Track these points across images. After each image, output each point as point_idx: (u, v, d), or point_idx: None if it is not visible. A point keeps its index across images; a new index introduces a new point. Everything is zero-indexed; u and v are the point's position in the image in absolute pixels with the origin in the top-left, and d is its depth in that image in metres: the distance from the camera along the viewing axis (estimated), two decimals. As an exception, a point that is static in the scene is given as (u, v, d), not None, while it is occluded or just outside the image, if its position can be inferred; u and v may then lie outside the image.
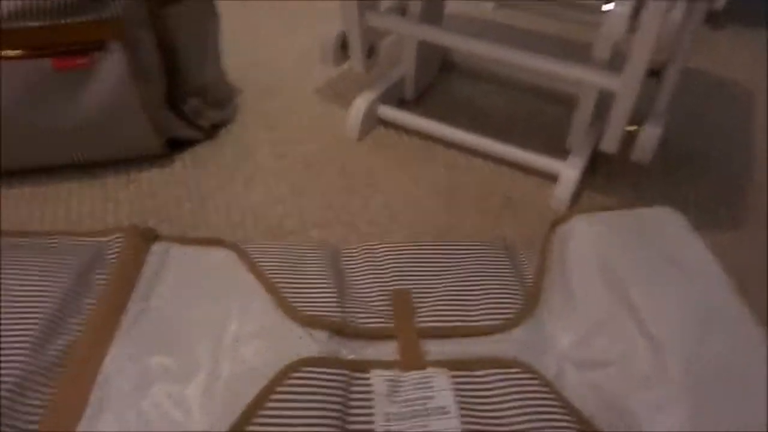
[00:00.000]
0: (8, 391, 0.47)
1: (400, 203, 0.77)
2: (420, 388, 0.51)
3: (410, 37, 0.92)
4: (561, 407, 0.51)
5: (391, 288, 0.61)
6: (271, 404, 0.48)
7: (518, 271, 0.63)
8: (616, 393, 0.51)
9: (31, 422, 0.46)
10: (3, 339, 0.50)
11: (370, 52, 0.87)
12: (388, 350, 0.55)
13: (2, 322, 0.51)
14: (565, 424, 0.50)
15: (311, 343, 0.54)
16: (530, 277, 0.63)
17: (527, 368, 0.53)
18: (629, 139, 0.77)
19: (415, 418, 0.49)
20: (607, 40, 0.71)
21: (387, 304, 0.59)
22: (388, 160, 0.85)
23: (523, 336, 0.57)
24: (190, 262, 0.63)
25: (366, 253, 0.65)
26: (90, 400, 0.48)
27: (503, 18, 1.23)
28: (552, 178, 0.79)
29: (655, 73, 0.78)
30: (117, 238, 0.63)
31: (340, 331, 0.55)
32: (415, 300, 0.60)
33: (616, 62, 0.71)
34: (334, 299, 0.58)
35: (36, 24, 0.65)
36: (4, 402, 0.46)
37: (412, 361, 0.54)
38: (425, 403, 0.50)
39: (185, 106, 0.80)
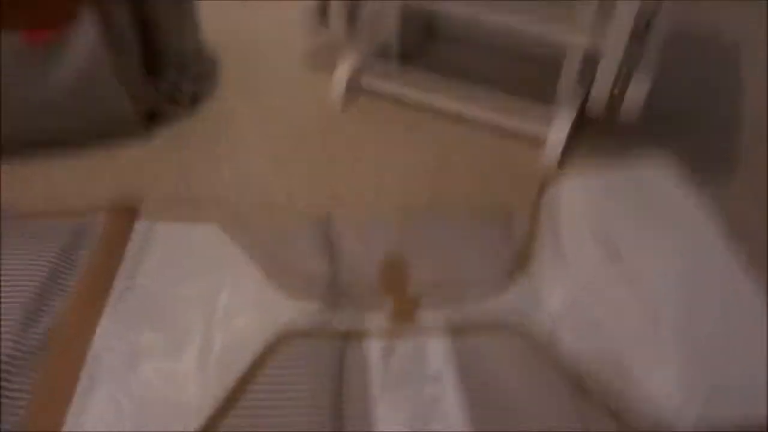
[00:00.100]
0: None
1: (387, 172, 0.76)
2: (414, 355, 0.51)
3: (392, 1, 0.90)
4: (555, 367, 0.51)
5: (381, 257, 0.60)
6: (263, 376, 0.48)
7: (509, 235, 0.63)
8: (610, 351, 0.51)
9: (18, 407, 0.45)
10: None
11: (351, 18, 0.85)
12: (380, 318, 0.55)
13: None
14: (559, 383, 0.50)
15: (303, 314, 0.53)
16: (522, 240, 0.63)
17: (521, 331, 0.53)
18: (616, 98, 0.76)
19: (410, 383, 0.49)
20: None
21: (379, 272, 0.59)
22: (374, 128, 0.83)
23: (516, 299, 0.57)
24: (175, 238, 0.62)
25: (356, 222, 0.65)
26: (80, 378, 0.47)
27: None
28: (540, 140, 0.78)
29: (639, 33, 0.77)
30: (99, 216, 0.62)
31: (332, 301, 0.55)
32: (407, 267, 0.59)
33: (600, 22, 0.70)
34: (325, 269, 0.57)
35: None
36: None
37: (406, 327, 0.54)
38: (420, 370, 0.50)
39: (164, 79, 0.78)
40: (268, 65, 0.95)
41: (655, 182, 0.64)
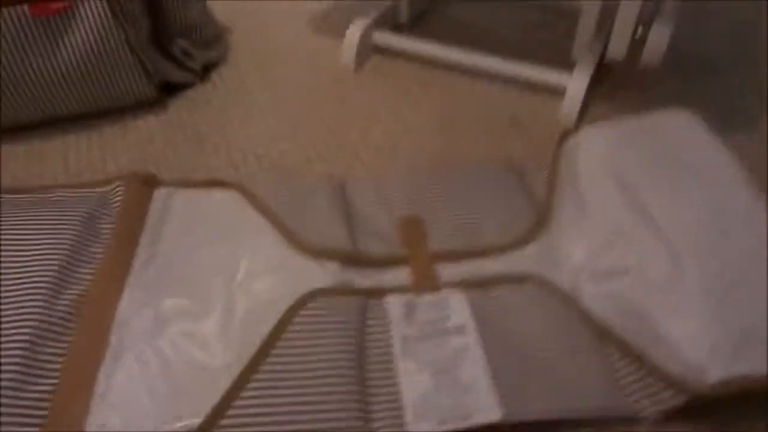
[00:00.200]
0: (25, 342, 0.47)
1: (403, 131, 0.75)
2: (436, 310, 0.51)
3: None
4: (578, 319, 0.50)
5: (400, 215, 0.60)
6: (288, 335, 0.48)
7: (529, 189, 0.62)
8: (634, 300, 0.50)
9: (52, 370, 0.47)
10: (16, 294, 0.50)
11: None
12: (401, 276, 0.55)
13: (13, 277, 0.51)
14: (586, 336, 0.49)
15: (324, 275, 0.54)
16: (541, 192, 0.62)
17: (542, 282, 0.53)
18: (636, 46, 0.73)
19: (433, 338, 0.49)
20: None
21: (397, 230, 0.58)
22: (388, 88, 0.82)
23: (537, 251, 0.56)
24: (194, 205, 0.62)
25: (372, 182, 0.64)
26: (109, 343, 0.48)
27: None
28: (558, 93, 0.76)
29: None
30: (118, 186, 0.62)
31: (352, 260, 0.55)
32: (425, 225, 0.59)
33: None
34: (344, 230, 0.57)
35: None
36: (23, 353, 0.46)
37: (427, 284, 0.54)
38: (442, 323, 0.50)
39: (173, 48, 0.77)
40: (278, 30, 0.94)
41: (677, 129, 0.62)
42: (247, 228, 0.58)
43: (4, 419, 0.43)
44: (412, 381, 0.47)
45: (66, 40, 0.66)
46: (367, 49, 0.87)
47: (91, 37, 0.67)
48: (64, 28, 0.66)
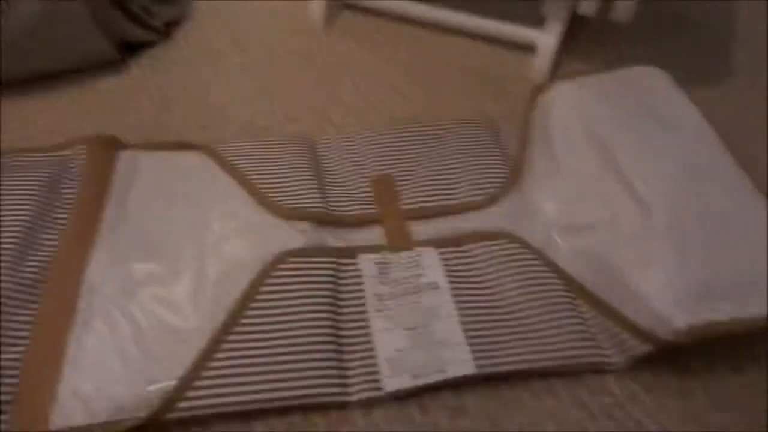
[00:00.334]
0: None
1: (374, 89, 0.73)
2: (409, 267, 0.51)
3: None
4: (551, 274, 0.51)
5: (371, 174, 0.59)
6: (261, 296, 0.48)
7: (501, 146, 0.62)
8: (605, 254, 0.51)
9: (20, 338, 0.46)
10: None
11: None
12: (374, 235, 0.55)
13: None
14: (557, 289, 0.50)
15: (296, 235, 0.53)
16: (514, 150, 0.62)
17: (514, 238, 0.53)
18: (608, 1, 0.72)
19: (406, 295, 0.50)
20: None
21: (369, 189, 0.58)
22: (358, 45, 0.80)
23: (509, 208, 0.56)
24: (161, 168, 0.60)
25: (343, 141, 0.63)
26: (78, 308, 0.48)
27: None
28: (530, 48, 0.75)
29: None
30: (80, 149, 0.60)
31: (324, 220, 0.55)
32: (397, 183, 0.58)
33: None
34: (315, 190, 0.57)
35: None
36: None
37: (399, 242, 0.54)
38: (415, 280, 0.51)
39: (132, 4, 0.74)
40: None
41: (649, 84, 0.63)
42: (217, 190, 0.57)
43: (-28, 388, 0.42)
44: (387, 338, 0.47)
45: (19, 2, 0.63)
46: (336, 5, 0.85)
47: (45, -5, 0.63)
48: (15, -16, 0.62)
